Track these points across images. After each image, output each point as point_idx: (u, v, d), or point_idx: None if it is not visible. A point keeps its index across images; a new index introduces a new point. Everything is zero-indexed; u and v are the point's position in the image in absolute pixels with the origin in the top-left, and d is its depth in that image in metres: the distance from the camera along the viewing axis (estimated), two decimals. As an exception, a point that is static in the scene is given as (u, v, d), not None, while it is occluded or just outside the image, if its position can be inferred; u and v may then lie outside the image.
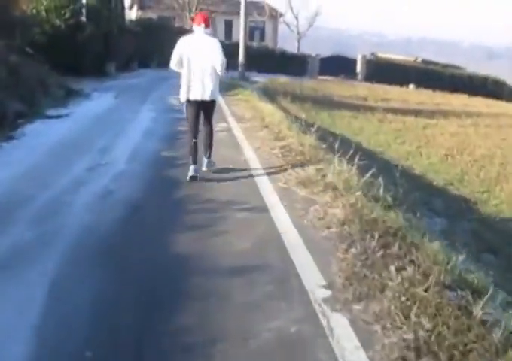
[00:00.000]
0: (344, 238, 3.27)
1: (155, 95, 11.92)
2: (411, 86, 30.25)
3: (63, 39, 14.26)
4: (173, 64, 4.77)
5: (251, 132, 7.25)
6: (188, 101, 4.76)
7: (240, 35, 19.33)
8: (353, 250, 3.07)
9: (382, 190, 4.25)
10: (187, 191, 4.42)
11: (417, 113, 15.90)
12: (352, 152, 5.12)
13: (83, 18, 15.22)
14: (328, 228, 3.48)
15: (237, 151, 6.00)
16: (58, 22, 14.54)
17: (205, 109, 4.82)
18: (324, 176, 4.76)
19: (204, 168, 4.90)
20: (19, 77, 9.86)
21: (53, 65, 12.07)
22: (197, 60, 4.63)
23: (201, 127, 4.98)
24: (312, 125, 9.33)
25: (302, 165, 5.20)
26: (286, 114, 9.71)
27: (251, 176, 4.89)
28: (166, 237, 3.34)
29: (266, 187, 4.53)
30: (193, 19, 5.23)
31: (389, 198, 4.19)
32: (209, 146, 4.97)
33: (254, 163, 5.39)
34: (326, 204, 3.98)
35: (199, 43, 4.70)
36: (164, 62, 21.15)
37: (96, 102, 10.20)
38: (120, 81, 15.00)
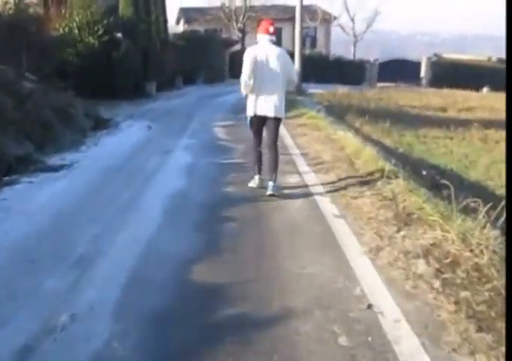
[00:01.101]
0: None
1: (197, 121, 9.12)
2: (485, 89, 25.91)
3: (97, 59, 11.88)
4: (245, 75, 4.13)
5: (347, 198, 4.14)
6: (254, 115, 4.24)
7: (296, 42, 16.28)
8: None
9: None
10: None
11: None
12: None
13: (119, 34, 12.79)
14: None
15: (338, 265, 2.86)
16: (91, 40, 12.18)
17: (268, 128, 4.28)
18: None
19: (269, 192, 4.18)
20: (29, 109, 7.37)
21: (87, 89, 9.81)
22: (265, 72, 4.12)
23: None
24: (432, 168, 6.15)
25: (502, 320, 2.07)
26: (378, 148, 6.56)
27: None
28: None
29: None
30: (257, 26, 4.62)
31: None
32: (274, 170, 4.28)
33: (394, 319, 2.27)
34: None
35: (267, 53, 4.15)
36: (212, 78, 18.42)
37: (122, 137, 7.51)
38: (160, 103, 12.40)
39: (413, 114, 13.92)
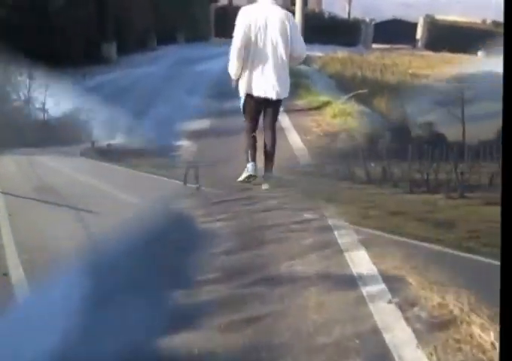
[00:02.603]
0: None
1: (152, 120, 5.05)
2: (479, 53, 21.79)
3: (26, 12, 7.46)
4: (235, 53, 3.00)
5: None
6: (249, 96, 3.16)
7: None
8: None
9: None
10: None
11: None
12: None
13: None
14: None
15: None
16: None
17: (267, 110, 3.25)
18: None
19: (263, 182, 3.16)
20: None
21: (22, 53, 6.22)
22: (264, 41, 3.01)
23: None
24: None
25: None
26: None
27: None
28: None
29: None
30: None
31: None
32: (271, 156, 3.30)
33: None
34: None
35: (266, 17, 3.02)
36: (194, 36, 12.38)
37: None
38: (117, 74, 8.14)
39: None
